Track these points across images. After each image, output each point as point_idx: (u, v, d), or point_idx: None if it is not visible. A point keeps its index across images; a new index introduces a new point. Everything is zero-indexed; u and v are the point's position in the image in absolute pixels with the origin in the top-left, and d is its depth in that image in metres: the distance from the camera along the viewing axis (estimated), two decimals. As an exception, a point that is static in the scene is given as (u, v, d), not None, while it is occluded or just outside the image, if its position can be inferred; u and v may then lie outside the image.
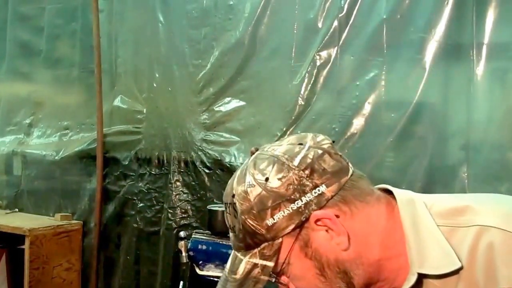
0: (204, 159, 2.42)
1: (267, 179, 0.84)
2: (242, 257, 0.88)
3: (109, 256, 2.76)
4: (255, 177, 0.85)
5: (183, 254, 1.27)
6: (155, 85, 2.61)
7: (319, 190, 0.83)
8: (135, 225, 2.63)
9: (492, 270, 0.77)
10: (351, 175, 0.87)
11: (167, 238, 2.50)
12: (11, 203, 3.14)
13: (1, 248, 2.90)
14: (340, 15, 2.10)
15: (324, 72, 2.15)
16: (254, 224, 0.84)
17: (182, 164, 2.49)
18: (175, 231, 2.44)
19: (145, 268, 2.62)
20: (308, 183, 0.83)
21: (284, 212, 0.83)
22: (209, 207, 1.27)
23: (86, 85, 2.89)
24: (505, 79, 1.78)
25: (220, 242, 1.25)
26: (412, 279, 0.83)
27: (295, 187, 0.82)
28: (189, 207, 2.47)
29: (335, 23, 2.12)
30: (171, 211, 2.49)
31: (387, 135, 1.98)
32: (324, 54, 2.15)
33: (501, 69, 1.75)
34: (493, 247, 0.78)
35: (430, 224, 0.84)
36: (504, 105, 1.72)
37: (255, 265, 0.87)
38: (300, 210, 0.82)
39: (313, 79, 2.17)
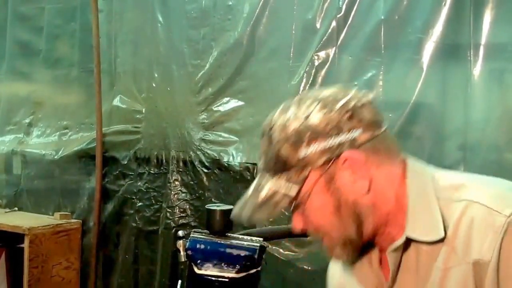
0: (203, 158, 2.43)
1: (308, 116, 0.90)
2: (268, 180, 0.94)
3: (108, 255, 2.77)
4: (297, 112, 0.91)
5: (182, 253, 1.27)
6: (154, 85, 2.62)
7: (354, 134, 0.89)
8: (134, 224, 2.64)
9: (469, 242, 0.85)
10: (384, 130, 0.93)
11: (165, 237, 2.50)
12: (10, 202, 3.15)
13: (1, 247, 2.91)
14: (338, 16, 2.11)
15: (322, 72, 2.16)
16: (288, 154, 0.90)
17: (181, 164, 2.50)
18: (173, 230, 2.45)
19: (144, 267, 2.63)
20: (345, 125, 0.89)
21: (317, 147, 0.89)
22: (207, 206, 1.28)
23: (85, 85, 2.90)
24: (502, 79, 1.78)
25: (218, 242, 1.25)
26: (400, 241, 0.91)
27: (333, 126, 0.89)
28: (187, 207, 2.48)
29: (333, 23, 2.12)
30: (170, 210, 2.50)
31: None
32: (322, 54, 2.16)
33: (498, 69, 1.76)
34: (473, 221, 0.85)
35: (430, 196, 0.90)
36: (502, 106, 1.73)
37: (278, 191, 0.92)
38: (332, 147, 0.89)
39: (311, 79, 2.18)
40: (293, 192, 0.92)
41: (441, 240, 0.88)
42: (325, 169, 0.90)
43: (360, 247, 0.96)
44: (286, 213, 1.05)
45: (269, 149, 0.94)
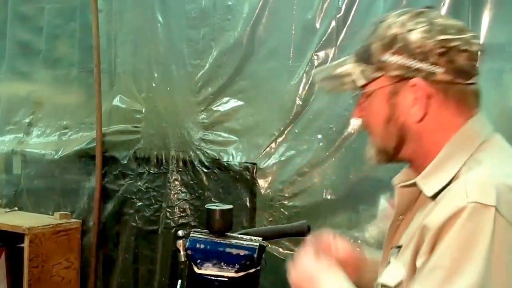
0: (203, 158, 2.43)
1: (410, 30, 0.95)
2: (350, 63, 1.03)
3: (108, 255, 2.77)
4: (406, 22, 0.96)
5: (181, 253, 1.28)
6: (154, 85, 2.62)
7: (434, 69, 0.94)
8: (133, 224, 2.64)
9: (434, 208, 0.90)
10: (470, 84, 0.96)
11: (165, 236, 2.51)
12: (10, 201, 3.15)
13: (1, 247, 2.91)
14: (337, 16, 2.12)
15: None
16: (375, 50, 0.98)
17: (181, 164, 2.51)
18: (173, 230, 2.46)
19: (144, 267, 2.63)
20: (433, 57, 0.93)
21: (399, 59, 0.95)
22: (207, 206, 1.28)
23: (85, 84, 2.90)
24: (500, 79, 1.78)
25: (218, 241, 1.26)
26: (410, 181, 1.00)
27: (422, 51, 0.93)
28: (187, 206, 2.48)
29: (333, 23, 2.13)
30: (170, 210, 2.50)
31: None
32: (321, 54, 2.16)
33: (496, 69, 1.76)
34: (448, 194, 0.90)
35: (458, 160, 0.94)
36: (499, 106, 1.73)
37: (351, 74, 1.02)
38: (410, 68, 0.94)
39: (310, 79, 2.18)
40: (360, 83, 1.01)
41: (434, 197, 0.94)
42: (394, 81, 0.97)
43: (390, 161, 1.04)
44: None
45: (367, 38, 1.01)
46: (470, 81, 0.96)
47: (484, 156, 0.94)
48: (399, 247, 1.00)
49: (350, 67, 1.03)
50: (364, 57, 1.01)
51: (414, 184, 1.00)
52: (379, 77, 0.98)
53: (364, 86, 1.01)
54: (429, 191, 0.95)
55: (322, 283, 1.04)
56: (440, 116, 0.96)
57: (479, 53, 0.96)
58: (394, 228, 1.07)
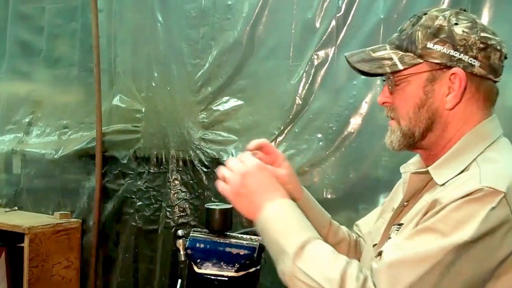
0: (202, 158, 2.43)
1: (456, 24, 1.02)
2: (386, 49, 1.09)
3: (108, 254, 2.77)
4: (452, 16, 1.04)
5: (181, 252, 1.28)
6: (153, 84, 2.62)
7: (474, 62, 1.01)
8: (133, 223, 2.64)
9: (449, 187, 0.97)
10: (495, 81, 1.06)
11: (165, 236, 2.51)
12: (10, 201, 3.14)
13: (1, 246, 2.91)
14: (337, 15, 2.12)
15: (322, 72, 2.16)
16: (420, 38, 1.04)
17: (181, 163, 2.50)
18: (173, 230, 2.45)
19: (144, 266, 2.63)
20: (474, 51, 1.01)
21: (442, 48, 1.02)
22: (207, 205, 1.28)
23: (85, 84, 2.89)
24: (500, 81, 1.78)
25: (218, 241, 1.26)
26: (424, 169, 1.07)
27: (465, 44, 1.01)
28: (187, 206, 2.48)
29: (333, 22, 2.13)
30: (170, 209, 2.50)
31: (384, 134, 1.98)
32: (321, 53, 2.16)
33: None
34: (466, 177, 0.96)
35: (470, 154, 1.01)
36: (499, 105, 1.72)
37: (390, 58, 1.07)
38: (452, 58, 1.01)
39: (310, 78, 2.18)
40: (399, 67, 1.05)
41: (443, 185, 1.01)
42: (435, 69, 1.03)
43: (412, 148, 1.10)
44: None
45: (409, 28, 1.06)
46: (497, 79, 1.05)
47: (496, 155, 1.01)
48: (401, 224, 1.07)
49: (389, 52, 1.08)
50: (405, 44, 1.06)
51: (425, 172, 1.07)
52: (419, 63, 1.04)
53: (402, 70, 1.06)
54: (440, 180, 1.02)
55: (267, 206, 1.06)
56: (468, 107, 1.04)
57: (505, 55, 1.06)
58: (397, 212, 1.13)
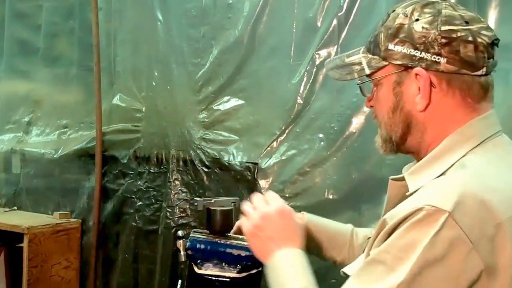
0: (203, 157, 2.42)
1: (416, 20, 0.97)
2: (359, 53, 1.07)
3: (108, 255, 2.76)
4: (413, 12, 0.99)
5: (181, 253, 1.26)
6: (154, 83, 2.61)
7: (438, 59, 0.94)
8: (133, 223, 2.63)
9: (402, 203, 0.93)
10: (478, 75, 0.96)
11: (165, 236, 2.49)
12: (10, 201, 3.14)
13: (0, 246, 2.90)
14: (339, 14, 2.10)
15: (323, 71, 2.15)
16: (382, 40, 1.01)
17: (181, 163, 2.49)
18: (173, 230, 2.44)
19: (144, 267, 2.62)
20: (435, 47, 0.94)
21: (403, 49, 0.98)
22: (207, 206, 1.27)
23: (85, 83, 2.88)
24: (506, 79, 1.77)
25: (218, 241, 1.25)
26: (401, 175, 1.04)
27: (425, 41, 0.95)
28: (187, 206, 2.46)
29: (335, 22, 2.11)
30: (170, 209, 2.49)
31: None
32: (323, 53, 2.15)
33: (502, 69, 1.73)
34: (420, 192, 0.92)
35: (450, 158, 0.95)
36: (506, 105, 1.72)
37: (359, 63, 1.05)
38: (413, 58, 0.96)
39: (312, 78, 2.17)
40: (366, 71, 1.04)
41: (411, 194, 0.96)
42: (399, 70, 0.99)
43: (396, 152, 1.07)
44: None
45: (377, 28, 1.04)
46: (478, 73, 0.95)
47: (474, 158, 0.93)
48: (369, 238, 1.05)
49: (359, 57, 1.06)
50: (372, 48, 1.04)
51: (402, 179, 1.03)
52: (385, 66, 1.01)
53: (370, 75, 1.04)
54: (412, 187, 0.98)
55: (277, 254, 1.06)
56: (445, 106, 0.97)
57: (488, 44, 0.96)
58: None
